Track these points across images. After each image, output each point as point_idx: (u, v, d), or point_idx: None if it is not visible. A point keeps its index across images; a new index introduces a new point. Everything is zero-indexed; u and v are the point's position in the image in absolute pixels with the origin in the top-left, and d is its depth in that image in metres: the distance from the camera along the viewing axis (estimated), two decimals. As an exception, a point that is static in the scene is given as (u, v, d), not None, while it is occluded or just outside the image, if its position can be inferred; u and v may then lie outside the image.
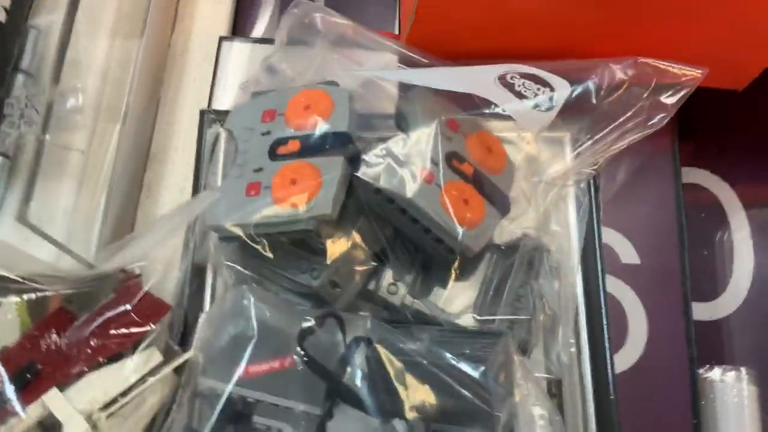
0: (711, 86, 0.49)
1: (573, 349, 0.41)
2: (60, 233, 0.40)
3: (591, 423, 0.40)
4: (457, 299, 0.40)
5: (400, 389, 0.35)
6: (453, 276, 0.40)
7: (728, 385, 0.44)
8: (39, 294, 0.39)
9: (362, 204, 0.39)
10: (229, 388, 0.35)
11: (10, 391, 0.36)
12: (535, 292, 0.40)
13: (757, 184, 0.52)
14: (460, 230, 0.37)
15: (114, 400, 0.36)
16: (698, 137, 0.53)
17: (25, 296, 0.39)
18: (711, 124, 0.53)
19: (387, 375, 0.35)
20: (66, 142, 0.41)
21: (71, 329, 0.37)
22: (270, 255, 0.38)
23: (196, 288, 0.42)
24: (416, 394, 0.35)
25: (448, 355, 0.35)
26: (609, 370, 0.41)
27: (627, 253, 0.47)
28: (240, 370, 0.36)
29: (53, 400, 0.35)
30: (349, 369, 0.36)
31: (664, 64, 0.42)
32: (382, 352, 0.36)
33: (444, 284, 0.40)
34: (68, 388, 0.36)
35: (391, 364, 0.36)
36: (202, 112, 0.47)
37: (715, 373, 0.44)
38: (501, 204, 0.41)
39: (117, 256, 0.38)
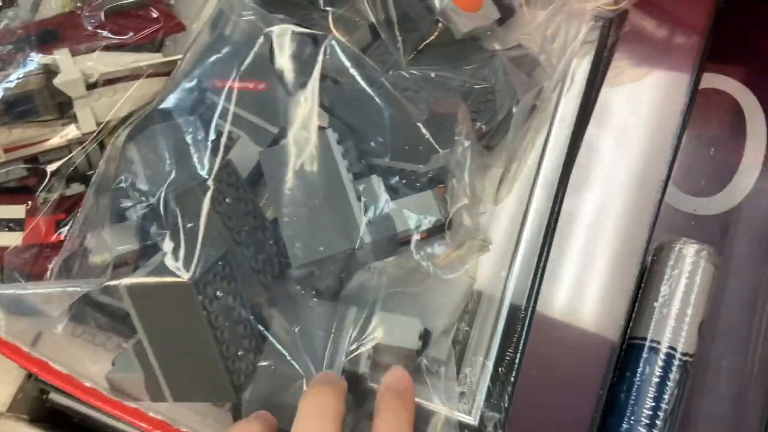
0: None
1: (531, 164, 0.42)
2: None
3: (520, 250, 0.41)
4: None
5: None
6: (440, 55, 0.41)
7: (684, 256, 0.43)
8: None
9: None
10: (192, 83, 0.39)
11: (33, 41, 0.41)
12: (511, 88, 0.41)
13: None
14: (447, 0, 0.39)
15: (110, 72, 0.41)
16: (734, 46, 0.51)
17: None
18: (751, 36, 0.52)
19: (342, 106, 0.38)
20: None
21: (93, 6, 0.42)
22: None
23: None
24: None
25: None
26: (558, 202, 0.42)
27: (624, 113, 0.47)
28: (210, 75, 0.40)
29: (62, 54, 0.41)
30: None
31: None
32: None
33: (431, 62, 0.42)
34: (78, 55, 0.42)
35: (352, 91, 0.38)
36: None
37: (676, 244, 0.43)
38: (503, 4, 0.42)
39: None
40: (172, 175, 0.37)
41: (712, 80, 0.51)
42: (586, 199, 0.45)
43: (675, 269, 0.43)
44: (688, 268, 0.43)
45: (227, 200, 0.35)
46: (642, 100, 0.47)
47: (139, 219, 0.36)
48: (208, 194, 0.34)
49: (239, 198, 0.36)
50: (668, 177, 0.45)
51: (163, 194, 0.36)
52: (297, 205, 0.36)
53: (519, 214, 0.42)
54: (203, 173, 0.36)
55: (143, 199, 0.37)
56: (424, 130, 0.36)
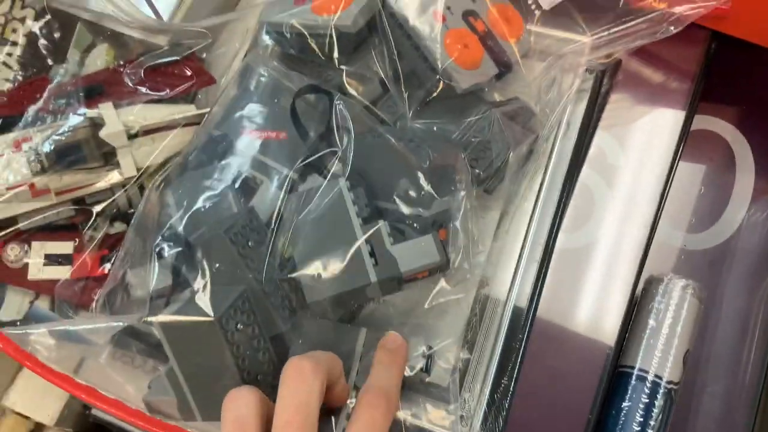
0: (748, 39, 0.51)
1: (527, 205, 0.46)
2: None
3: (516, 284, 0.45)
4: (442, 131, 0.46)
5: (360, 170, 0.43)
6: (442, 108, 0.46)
7: (671, 291, 0.46)
8: (124, 44, 0.50)
9: (381, 30, 0.46)
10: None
11: (81, 96, 0.47)
12: (507, 138, 0.45)
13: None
14: (448, 59, 0.44)
15: (149, 124, 0.46)
16: (724, 88, 0.54)
17: (114, 44, 0.50)
18: (741, 79, 0.55)
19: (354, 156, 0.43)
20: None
21: (134, 65, 0.47)
22: (298, 50, 0.47)
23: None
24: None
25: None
26: (552, 242, 0.46)
27: (616, 155, 0.50)
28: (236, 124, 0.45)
29: (106, 108, 0.46)
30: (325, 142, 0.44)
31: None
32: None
33: (434, 115, 0.46)
34: (120, 108, 0.47)
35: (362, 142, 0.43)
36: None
37: (663, 279, 0.47)
38: (501, 61, 0.46)
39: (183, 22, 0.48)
40: (202, 220, 0.42)
41: (703, 121, 0.55)
42: (581, 237, 0.48)
43: (662, 303, 0.46)
44: (674, 302, 0.46)
45: (249, 243, 0.40)
46: (634, 143, 0.50)
47: (173, 258, 0.41)
48: (232, 240, 0.38)
49: (260, 241, 0.40)
50: (657, 216, 0.49)
51: (192, 238, 0.40)
52: (312, 247, 0.40)
53: (515, 253, 0.46)
54: (229, 218, 0.41)
55: (177, 240, 0.41)
56: (423, 180, 0.41)
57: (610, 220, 0.48)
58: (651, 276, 0.48)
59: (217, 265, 0.39)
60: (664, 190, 0.49)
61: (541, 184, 0.47)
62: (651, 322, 0.46)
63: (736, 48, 0.52)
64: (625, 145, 0.50)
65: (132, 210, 0.48)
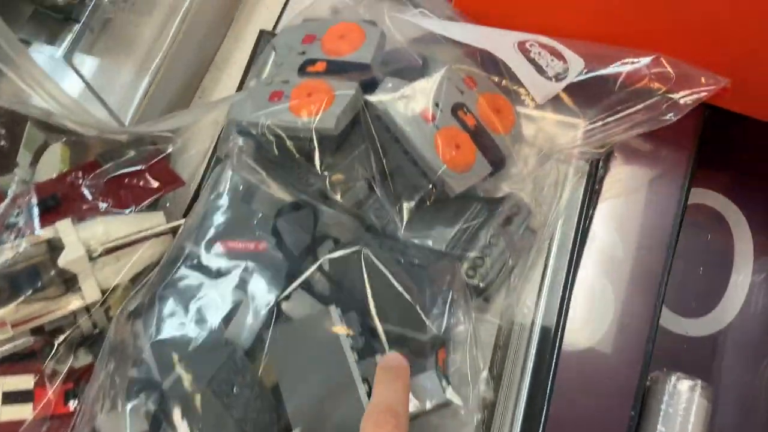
0: (740, 112, 0.49)
1: (527, 312, 0.43)
2: (114, 102, 0.46)
3: (525, 385, 0.43)
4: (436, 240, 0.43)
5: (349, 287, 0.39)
6: (434, 211, 0.43)
7: (678, 392, 0.44)
8: (80, 142, 0.45)
9: (367, 131, 0.43)
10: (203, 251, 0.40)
11: (35, 211, 0.42)
12: (505, 245, 0.42)
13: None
14: (442, 166, 0.40)
15: (113, 243, 0.42)
16: (719, 162, 0.53)
17: (69, 143, 0.46)
18: (735, 152, 0.53)
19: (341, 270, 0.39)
20: (137, 23, 0.47)
21: (93, 175, 0.43)
22: (275, 152, 0.43)
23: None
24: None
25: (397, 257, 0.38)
26: (557, 342, 0.43)
27: (613, 244, 0.48)
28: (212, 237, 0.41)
29: (64, 227, 0.41)
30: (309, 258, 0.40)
31: (685, 66, 0.44)
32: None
33: (426, 220, 0.43)
34: (79, 223, 0.42)
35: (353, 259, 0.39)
36: (261, 32, 0.53)
37: (670, 379, 0.45)
38: (494, 158, 0.43)
39: (146, 124, 0.44)
40: (177, 356, 0.38)
41: (698, 195, 0.53)
42: (583, 337, 0.46)
43: (670, 405, 0.44)
44: (683, 406, 0.44)
45: (234, 389, 0.36)
46: (631, 228, 0.48)
47: (149, 406, 0.37)
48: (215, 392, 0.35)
49: (245, 384, 0.36)
50: (659, 308, 0.46)
51: (168, 387, 0.36)
52: (305, 390, 0.36)
53: (519, 362, 0.43)
54: (209, 360, 0.37)
55: (151, 386, 0.37)
56: (420, 306, 0.38)
57: (612, 316, 0.46)
58: (657, 374, 0.46)
59: (200, 425, 0.35)
60: (665, 278, 0.47)
61: (541, 284, 0.45)
62: (660, 427, 0.44)
63: (721, 117, 0.50)
64: (623, 230, 0.48)
65: (97, 331, 0.43)
